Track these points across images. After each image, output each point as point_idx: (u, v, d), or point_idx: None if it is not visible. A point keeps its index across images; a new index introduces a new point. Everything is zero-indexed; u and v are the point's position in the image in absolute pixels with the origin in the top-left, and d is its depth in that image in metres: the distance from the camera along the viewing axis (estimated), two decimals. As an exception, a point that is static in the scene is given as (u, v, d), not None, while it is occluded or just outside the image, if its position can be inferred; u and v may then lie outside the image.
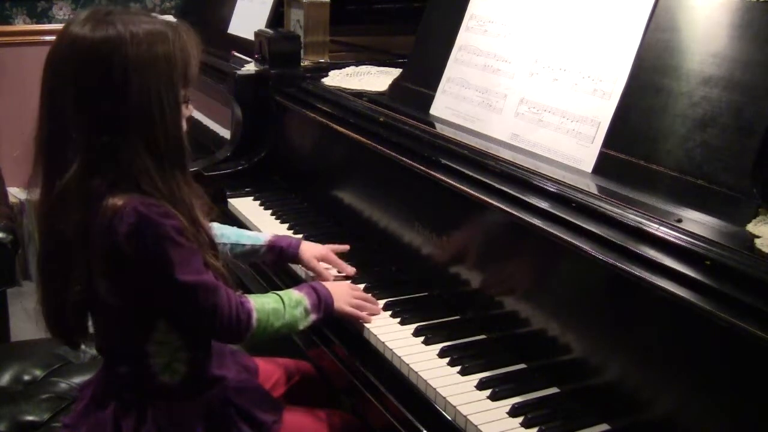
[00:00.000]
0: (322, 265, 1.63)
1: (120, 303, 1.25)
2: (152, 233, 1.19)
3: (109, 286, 1.24)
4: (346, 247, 1.71)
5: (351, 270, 1.65)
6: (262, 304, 1.35)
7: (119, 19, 1.21)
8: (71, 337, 1.35)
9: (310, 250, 1.64)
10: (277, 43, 2.24)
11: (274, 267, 1.74)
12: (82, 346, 1.84)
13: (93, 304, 1.28)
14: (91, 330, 1.36)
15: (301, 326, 1.41)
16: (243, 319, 1.31)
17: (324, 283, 1.51)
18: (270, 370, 1.61)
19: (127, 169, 1.20)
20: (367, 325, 1.47)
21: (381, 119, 1.77)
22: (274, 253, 1.64)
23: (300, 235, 1.81)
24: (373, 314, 1.50)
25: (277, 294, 1.41)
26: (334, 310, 1.45)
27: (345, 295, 1.49)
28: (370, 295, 1.55)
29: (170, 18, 1.33)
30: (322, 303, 1.43)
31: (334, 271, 1.66)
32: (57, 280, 1.28)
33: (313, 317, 1.42)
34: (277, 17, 2.57)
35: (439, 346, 1.40)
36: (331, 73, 2.20)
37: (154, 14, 1.29)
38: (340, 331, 1.51)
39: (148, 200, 1.20)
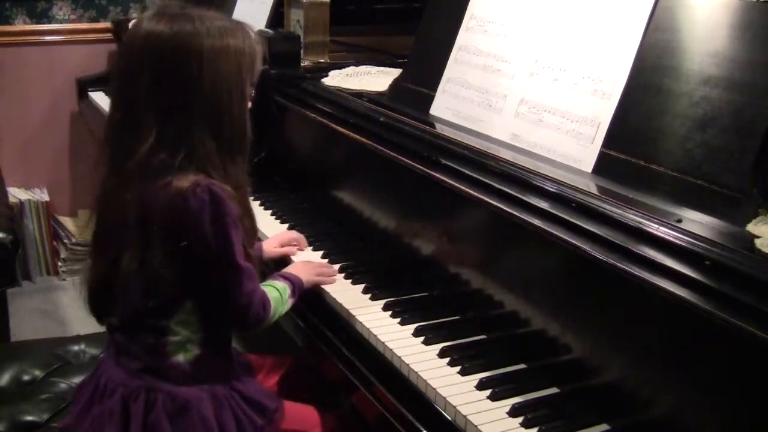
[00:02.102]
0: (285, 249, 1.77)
1: (170, 275, 1.29)
2: (222, 212, 1.27)
3: (164, 259, 1.28)
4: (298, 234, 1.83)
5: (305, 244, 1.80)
6: (270, 292, 1.44)
7: (194, 14, 1.30)
8: (107, 313, 1.41)
9: (270, 243, 1.76)
10: (277, 43, 2.24)
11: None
12: (82, 346, 1.86)
13: (136, 280, 1.32)
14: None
15: (284, 311, 1.49)
16: (267, 308, 1.40)
17: (287, 268, 1.61)
18: (258, 364, 1.65)
19: (194, 153, 1.28)
20: (367, 325, 1.47)
21: (381, 119, 1.77)
22: None
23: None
24: (332, 276, 1.65)
25: (270, 284, 1.49)
26: (305, 288, 1.57)
27: (307, 270, 1.61)
28: (325, 261, 1.71)
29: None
30: (296, 287, 1.53)
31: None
32: (108, 257, 1.34)
33: (291, 302, 1.51)
34: (277, 17, 2.57)
35: (439, 346, 1.40)
36: (331, 73, 2.20)
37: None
38: (339, 330, 1.52)
39: (215, 182, 1.28)
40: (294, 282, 1.53)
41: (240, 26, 1.35)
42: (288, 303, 1.50)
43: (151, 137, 1.27)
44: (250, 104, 1.39)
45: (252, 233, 1.40)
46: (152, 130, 1.27)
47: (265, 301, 1.39)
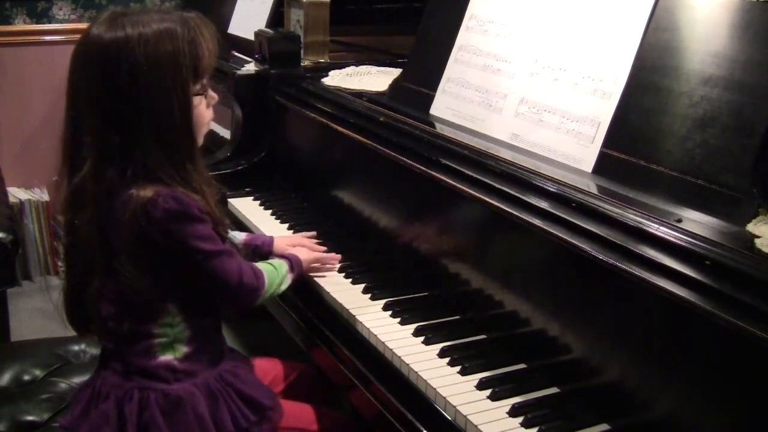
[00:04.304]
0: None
1: (145, 285, 1.29)
2: (187, 215, 1.27)
3: (136, 271, 1.28)
4: (313, 233, 1.84)
5: (322, 248, 1.76)
6: (262, 266, 1.45)
7: (129, 20, 1.25)
8: (87, 327, 1.42)
9: (281, 241, 1.75)
10: (277, 43, 2.24)
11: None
12: (82, 346, 1.85)
13: (111, 291, 1.32)
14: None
15: (284, 287, 1.53)
16: (260, 278, 1.42)
17: (287, 250, 1.65)
18: (267, 368, 1.63)
19: (142, 163, 1.26)
20: (367, 325, 1.47)
21: (381, 119, 1.77)
22: (248, 249, 1.71)
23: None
24: (332, 261, 1.69)
25: (263, 262, 1.51)
26: (303, 268, 1.60)
27: (306, 252, 1.66)
28: (325, 248, 1.74)
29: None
30: (295, 265, 1.56)
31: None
32: (78, 271, 1.35)
33: (290, 277, 1.54)
34: (277, 17, 2.57)
35: (439, 346, 1.40)
36: (331, 73, 2.20)
37: (170, 8, 1.33)
38: (339, 330, 1.52)
39: (174, 188, 1.26)
40: (291, 259, 1.56)
41: (182, 22, 1.29)
42: (287, 279, 1.52)
43: (91, 158, 1.26)
44: (214, 96, 1.36)
45: (222, 224, 1.37)
46: (93, 149, 1.26)
47: (255, 270, 1.41)
